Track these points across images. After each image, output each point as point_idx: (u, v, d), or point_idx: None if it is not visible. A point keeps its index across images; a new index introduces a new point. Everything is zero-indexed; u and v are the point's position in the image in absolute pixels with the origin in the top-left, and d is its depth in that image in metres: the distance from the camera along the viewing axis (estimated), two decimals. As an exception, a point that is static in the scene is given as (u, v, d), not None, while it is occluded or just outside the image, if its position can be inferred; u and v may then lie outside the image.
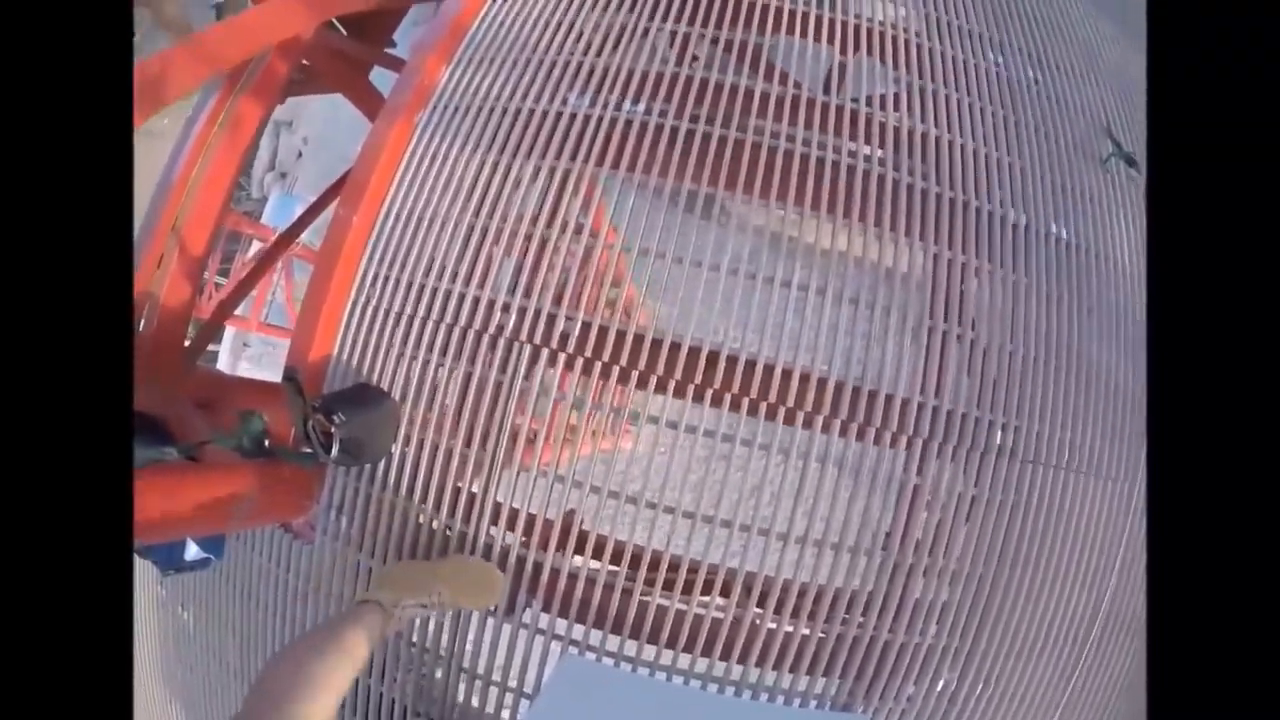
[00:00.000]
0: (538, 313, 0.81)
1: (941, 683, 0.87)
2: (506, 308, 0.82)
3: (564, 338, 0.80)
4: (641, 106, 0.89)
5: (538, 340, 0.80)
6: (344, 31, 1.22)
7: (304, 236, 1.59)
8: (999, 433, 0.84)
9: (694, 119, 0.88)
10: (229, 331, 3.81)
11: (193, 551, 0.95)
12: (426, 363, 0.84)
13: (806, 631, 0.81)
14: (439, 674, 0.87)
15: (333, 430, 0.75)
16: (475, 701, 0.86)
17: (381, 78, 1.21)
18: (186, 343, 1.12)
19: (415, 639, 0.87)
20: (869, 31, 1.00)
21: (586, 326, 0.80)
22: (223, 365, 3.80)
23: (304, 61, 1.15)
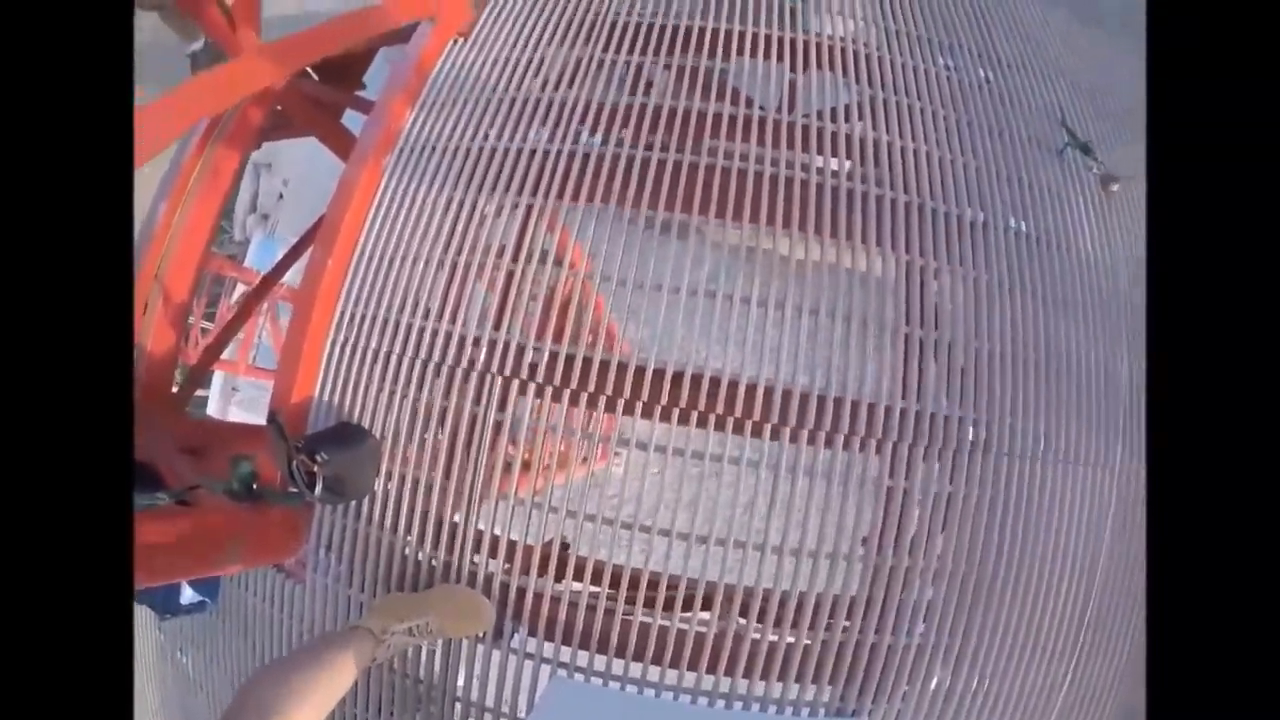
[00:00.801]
0: (506, 345, 0.83)
1: (935, 681, 0.87)
2: (477, 342, 0.84)
3: (532, 368, 0.82)
4: (598, 138, 0.92)
5: (508, 372, 0.82)
6: (315, 77, 1.25)
7: (287, 278, 1.62)
8: (971, 429, 0.86)
9: (653, 147, 0.91)
10: (218, 376, 3.80)
11: (188, 596, 0.96)
12: (405, 398, 0.85)
13: (793, 640, 0.82)
14: (433, 704, 0.87)
15: (316, 469, 0.77)
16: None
17: (355, 119, 1.24)
18: (175, 389, 1.14)
19: (408, 670, 0.88)
20: (820, 47, 1.03)
21: (554, 355, 0.82)
22: (213, 410, 3.77)
23: (277, 107, 1.19)
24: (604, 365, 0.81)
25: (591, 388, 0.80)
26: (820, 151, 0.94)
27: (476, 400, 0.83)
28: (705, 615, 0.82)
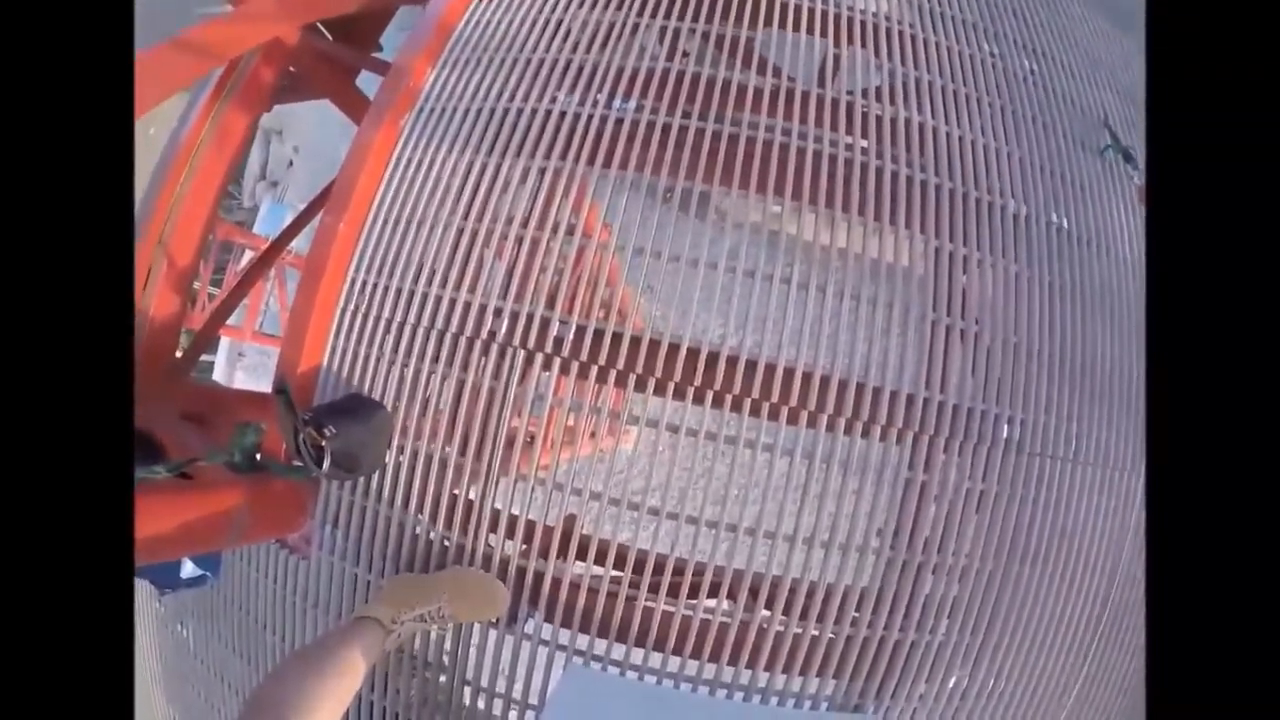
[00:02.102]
0: (529, 317, 0.80)
1: (953, 680, 0.86)
2: (498, 312, 0.81)
3: (558, 342, 0.78)
4: (632, 104, 0.88)
5: (530, 345, 0.79)
6: (329, 36, 1.20)
7: (296, 244, 1.58)
8: (1004, 426, 0.83)
9: (685, 115, 0.87)
10: (224, 342, 3.79)
11: (189, 570, 0.93)
12: (418, 370, 0.82)
13: (815, 633, 0.80)
14: (443, 687, 0.85)
15: (324, 443, 0.74)
16: (481, 712, 0.85)
17: (369, 82, 1.19)
18: (178, 354, 1.11)
19: (418, 653, 0.85)
20: (861, 23, 0.98)
21: (580, 330, 0.78)
22: (219, 376, 3.79)
23: (290, 68, 1.14)
24: (633, 341, 0.77)
25: (621, 364, 0.77)
26: (858, 131, 0.90)
27: (495, 374, 0.79)
28: (725, 605, 0.80)
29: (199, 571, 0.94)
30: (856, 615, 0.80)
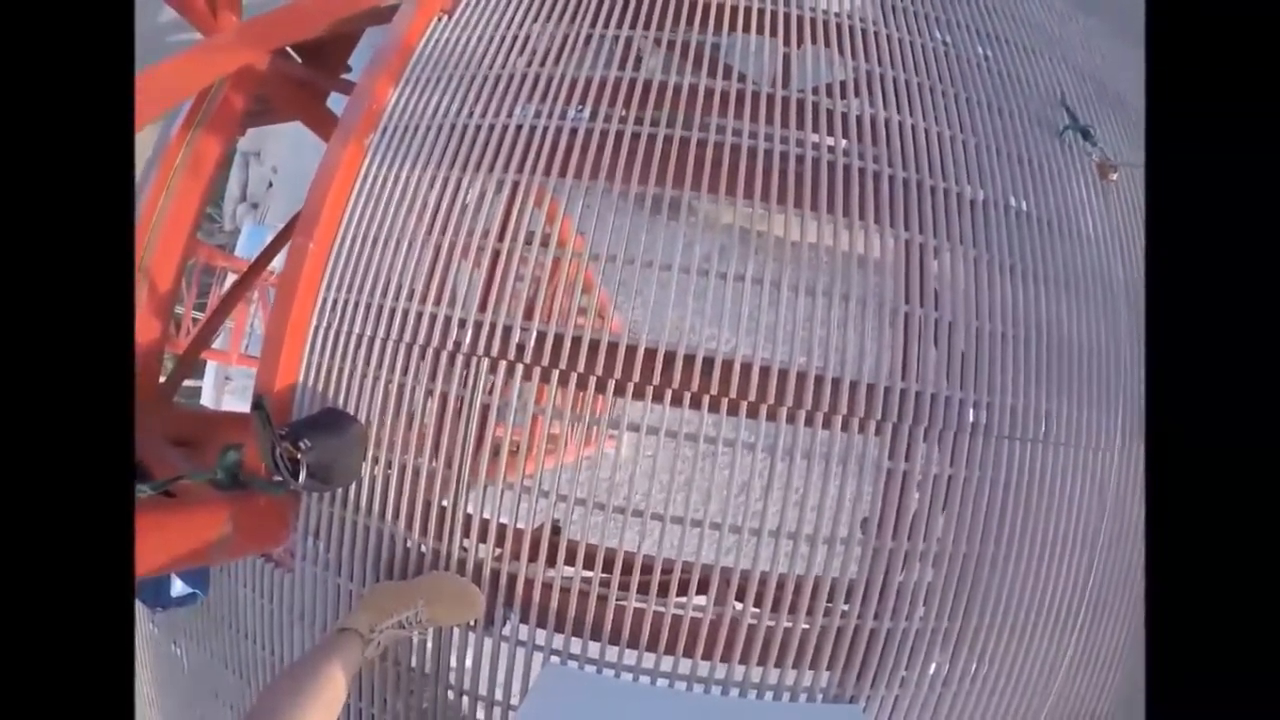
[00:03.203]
0: (493, 326, 0.81)
1: (934, 666, 0.86)
2: (463, 323, 0.83)
3: (519, 349, 0.80)
4: (586, 112, 0.89)
5: (494, 353, 0.80)
6: (299, 59, 1.23)
7: (277, 264, 1.60)
8: (971, 410, 0.84)
9: (639, 121, 0.89)
10: (211, 367, 3.81)
11: (179, 588, 0.95)
12: (390, 383, 0.84)
13: (792, 625, 0.81)
14: (425, 692, 0.86)
15: (299, 456, 0.75)
16: (463, 716, 0.86)
17: (339, 103, 1.22)
18: (162, 379, 1.13)
19: (402, 659, 0.86)
20: (815, 22, 1.00)
21: (543, 336, 0.80)
22: (206, 400, 3.81)
23: (261, 91, 1.16)
24: (594, 345, 0.79)
25: (582, 368, 0.78)
26: (816, 128, 0.91)
27: (463, 383, 0.81)
28: (701, 600, 0.81)
29: (189, 590, 0.96)
30: (833, 606, 0.81)
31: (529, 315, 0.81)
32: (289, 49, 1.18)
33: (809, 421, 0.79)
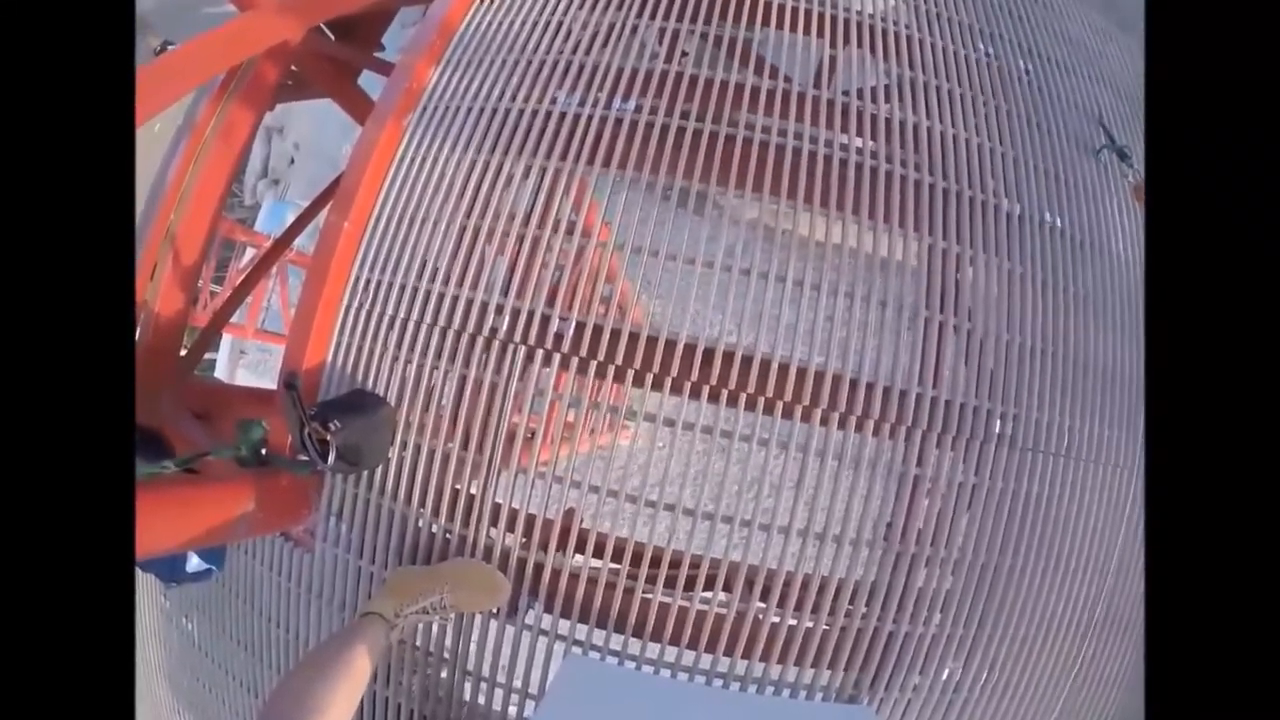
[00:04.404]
0: (530, 314, 0.81)
1: (946, 672, 0.87)
2: (499, 309, 0.82)
3: (558, 338, 0.80)
4: (631, 104, 0.89)
5: (531, 341, 0.80)
6: (332, 36, 1.21)
7: (298, 242, 1.59)
8: (998, 421, 0.84)
9: (684, 115, 0.88)
10: (226, 339, 3.81)
11: (194, 563, 0.95)
12: (421, 366, 0.83)
13: (810, 624, 0.81)
14: (445, 677, 0.87)
15: (329, 437, 0.75)
16: (481, 703, 0.86)
17: (370, 81, 1.21)
18: (183, 352, 1.12)
19: (420, 643, 0.87)
20: (858, 24, 0.99)
21: (580, 326, 0.80)
22: (221, 373, 3.81)
23: (293, 67, 1.15)
24: (633, 338, 0.79)
25: (619, 360, 0.78)
26: (854, 131, 0.91)
27: (497, 369, 0.81)
28: (721, 596, 0.81)
29: (204, 565, 0.95)
30: (851, 607, 0.81)
31: (567, 304, 0.81)
32: (323, 25, 1.16)
33: (826, 421, 0.79)
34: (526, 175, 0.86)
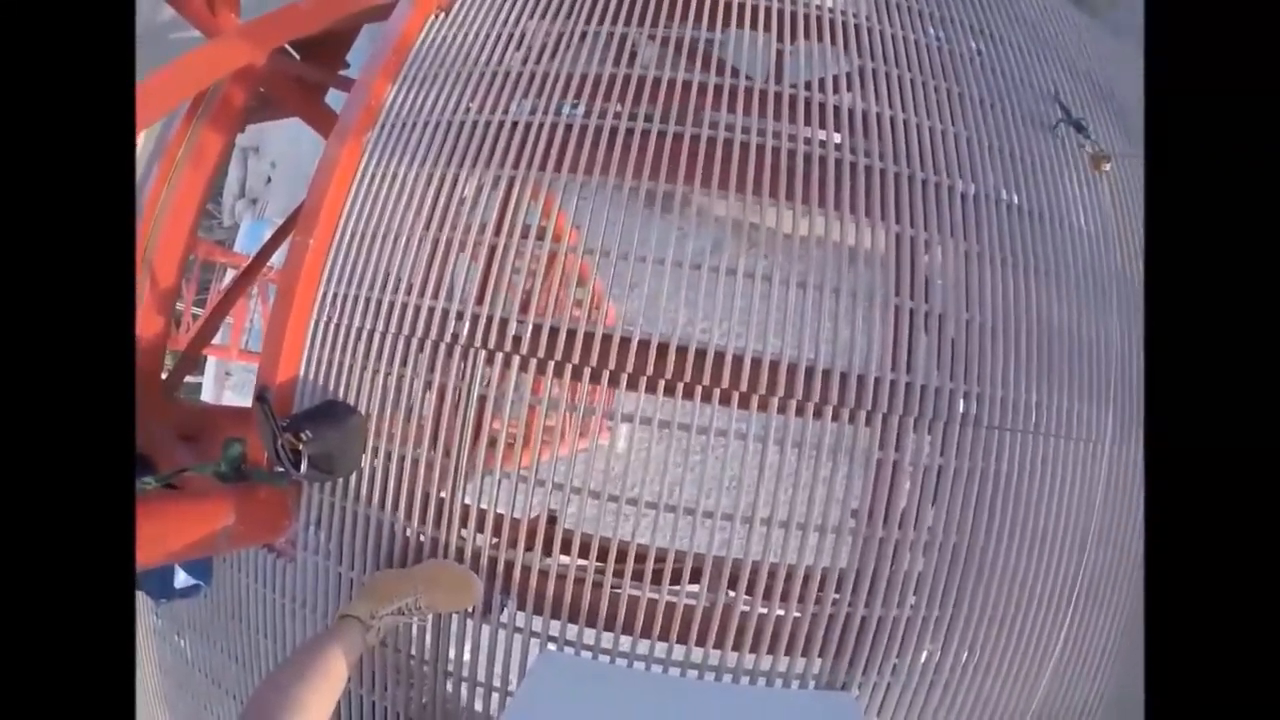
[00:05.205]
0: (489, 319, 0.82)
1: (925, 654, 0.87)
2: (460, 315, 0.84)
3: (516, 340, 0.81)
4: (580, 108, 0.90)
5: (490, 345, 0.81)
6: (297, 56, 1.24)
7: (277, 260, 1.61)
8: (962, 401, 0.85)
9: (634, 117, 0.90)
10: (211, 362, 3.83)
11: (182, 579, 0.97)
12: (390, 375, 0.85)
13: (783, 613, 0.82)
14: (425, 678, 0.88)
15: (301, 447, 0.77)
16: (463, 703, 0.87)
17: (337, 99, 1.23)
18: (164, 375, 1.14)
19: (400, 645, 0.88)
20: (809, 17, 1.01)
21: (538, 328, 0.81)
22: (207, 395, 3.83)
23: (260, 88, 1.17)
24: (589, 337, 0.80)
25: (576, 360, 0.79)
26: (809, 122, 0.92)
27: (460, 375, 0.82)
28: (695, 588, 0.82)
29: (192, 581, 0.97)
30: (824, 594, 0.82)
31: (525, 308, 0.82)
32: (288, 46, 1.19)
33: (800, 412, 0.80)
34: (484, 185, 0.88)
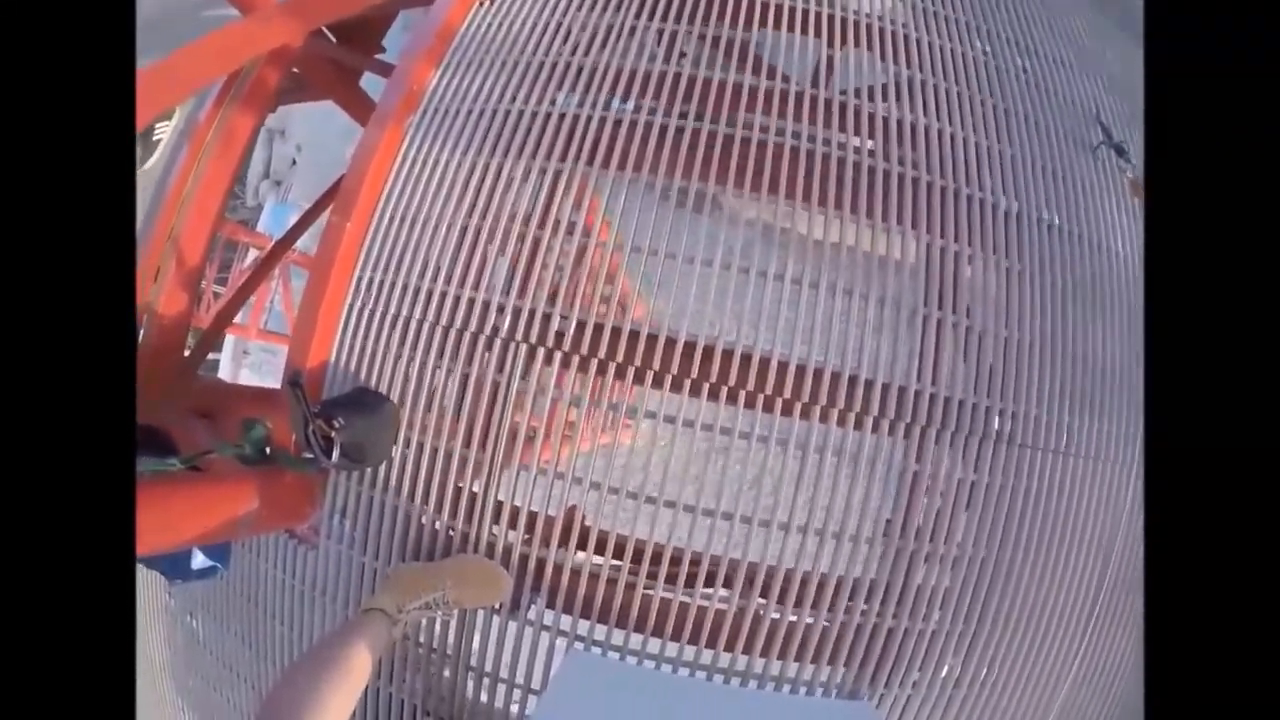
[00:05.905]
0: (532, 312, 0.82)
1: (946, 668, 0.87)
2: (501, 308, 0.83)
3: (559, 336, 0.80)
4: (630, 104, 0.90)
5: (533, 340, 0.81)
6: (333, 39, 1.22)
7: (300, 243, 1.60)
8: (996, 418, 0.85)
9: (684, 115, 0.89)
10: (229, 340, 3.83)
11: (199, 561, 0.96)
12: (424, 365, 0.84)
13: (811, 621, 0.82)
14: (447, 673, 0.87)
15: (333, 435, 0.76)
16: (484, 699, 0.87)
17: (373, 83, 1.21)
18: (186, 353, 1.13)
19: (423, 639, 0.87)
20: (856, 24, 1.00)
21: (581, 324, 0.80)
22: (224, 373, 3.83)
23: (294, 69, 1.16)
24: (633, 336, 0.79)
25: (619, 358, 0.79)
26: (853, 130, 0.92)
27: (499, 368, 0.81)
28: (723, 592, 0.82)
29: (209, 563, 0.96)
30: (851, 603, 0.82)
31: (570, 303, 0.81)
32: (324, 28, 1.17)
33: (835, 420, 0.80)
34: (527, 176, 0.87)
